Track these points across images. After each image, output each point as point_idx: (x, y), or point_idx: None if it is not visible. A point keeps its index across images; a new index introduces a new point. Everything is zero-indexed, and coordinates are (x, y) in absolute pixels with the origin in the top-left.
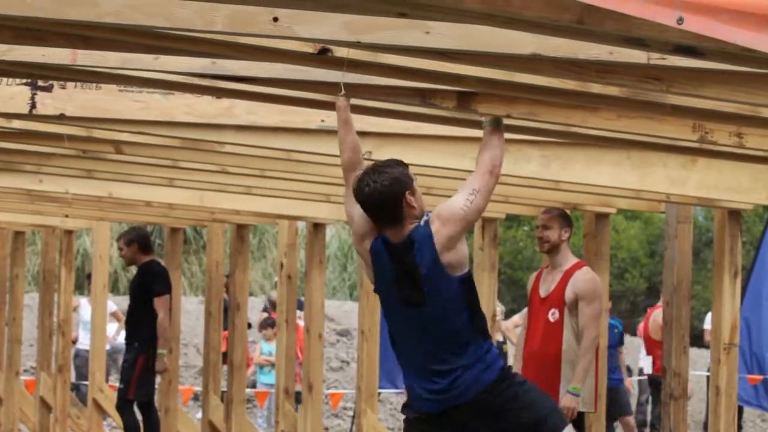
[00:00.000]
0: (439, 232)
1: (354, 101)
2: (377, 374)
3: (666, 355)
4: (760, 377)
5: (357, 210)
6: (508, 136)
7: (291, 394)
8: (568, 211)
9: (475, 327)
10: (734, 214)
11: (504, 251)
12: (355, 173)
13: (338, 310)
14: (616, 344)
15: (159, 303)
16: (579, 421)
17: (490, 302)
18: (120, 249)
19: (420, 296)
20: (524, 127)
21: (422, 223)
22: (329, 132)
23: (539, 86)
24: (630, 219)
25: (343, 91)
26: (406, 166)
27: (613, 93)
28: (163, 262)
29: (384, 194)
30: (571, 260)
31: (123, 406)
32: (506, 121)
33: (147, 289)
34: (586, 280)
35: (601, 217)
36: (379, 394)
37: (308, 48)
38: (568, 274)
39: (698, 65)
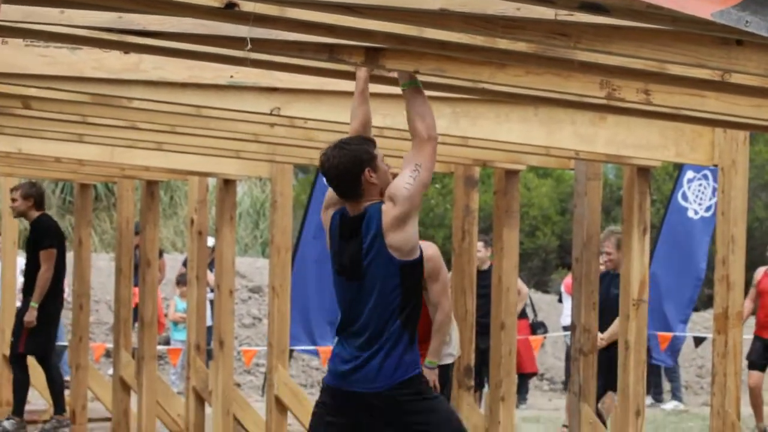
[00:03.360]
0: (388, 212)
1: (262, 56)
2: (288, 330)
3: (575, 310)
4: (670, 335)
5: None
6: None
7: (202, 351)
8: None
9: (403, 317)
10: (643, 172)
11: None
12: None
13: (250, 266)
14: None
15: (44, 256)
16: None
17: None
18: (13, 200)
19: (358, 270)
20: (433, 83)
21: (378, 201)
22: (239, 88)
23: (447, 42)
24: (541, 177)
25: (249, 46)
26: (371, 142)
27: (520, 49)
28: (54, 217)
29: (342, 169)
30: None
31: (14, 359)
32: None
33: (37, 243)
34: (427, 259)
35: (511, 174)
36: (293, 350)
37: (215, 2)
38: None
39: (605, 21)
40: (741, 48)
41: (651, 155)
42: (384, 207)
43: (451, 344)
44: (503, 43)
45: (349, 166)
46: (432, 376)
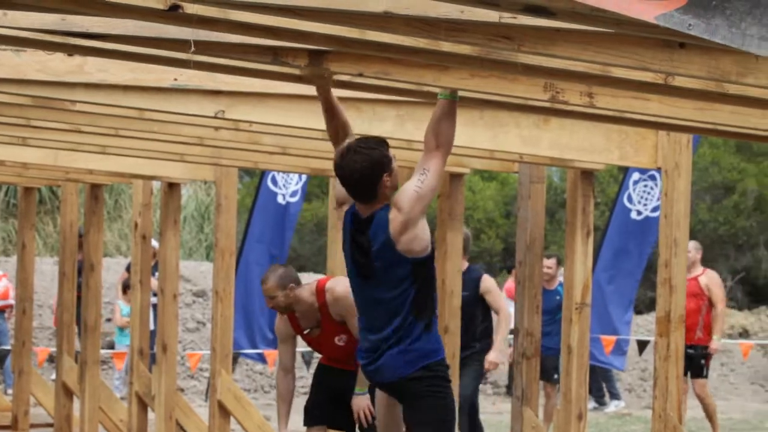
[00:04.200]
0: (396, 219)
1: (206, 59)
2: (231, 335)
3: (518, 314)
4: (614, 338)
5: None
6: (359, 95)
7: (146, 355)
8: None
9: (415, 308)
10: (586, 174)
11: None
12: (338, 145)
13: (195, 270)
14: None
15: None
16: None
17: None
18: None
19: (370, 269)
20: (377, 86)
21: (386, 205)
22: (183, 90)
23: (391, 44)
24: (486, 179)
25: (193, 48)
26: (386, 145)
27: (464, 52)
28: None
29: (363, 174)
30: (313, 292)
31: None
32: (358, 80)
33: None
34: (334, 302)
35: (456, 177)
36: (238, 355)
37: (158, 4)
38: (324, 307)
39: (549, 24)
40: (684, 51)
41: (594, 158)
42: (390, 215)
43: None
44: (447, 46)
45: (368, 171)
46: (363, 402)
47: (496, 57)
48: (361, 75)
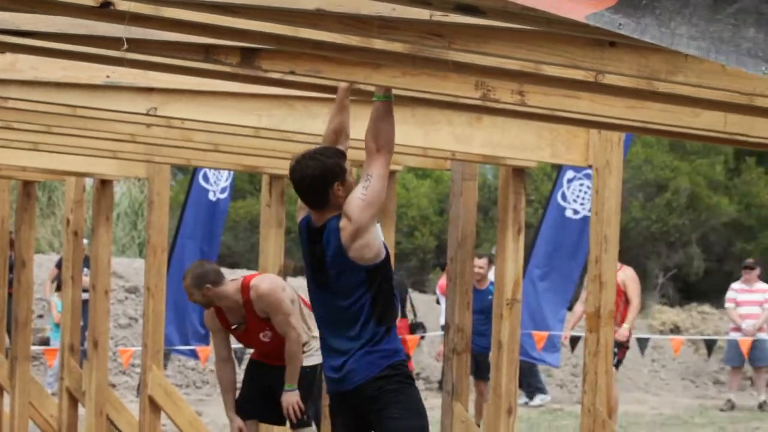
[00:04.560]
0: (345, 228)
1: (139, 56)
2: (162, 331)
3: (449, 310)
4: (545, 333)
5: None
6: (291, 92)
7: (76, 351)
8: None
9: (374, 311)
10: (518, 172)
11: (294, 209)
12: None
13: (128, 267)
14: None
15: None
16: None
17: (277, 259)
18: None
19: (325, 278)
20: (309, 84)
21: (337, 215)
22: (115, 88)
23: (323, 42)
24: (420, 177)
25: (125, 46)
26: (343, 155)
27: (396, 49)
28: None
29: (313, 180)
30: (237, 290)
31: None
32: (290, 78)
33: None
34: (258, 299)
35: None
36: (170, 351)
37: (90, 1)
38: (248, 303)
39: (480, 22)
40: (614, 49)
41: (526, 156)
42: (341, 224)
43: (318, 346)
44: (379, 44)
45: (320, 178)
46: (293, 398)
47: (427, 55)
48: (293, 72)
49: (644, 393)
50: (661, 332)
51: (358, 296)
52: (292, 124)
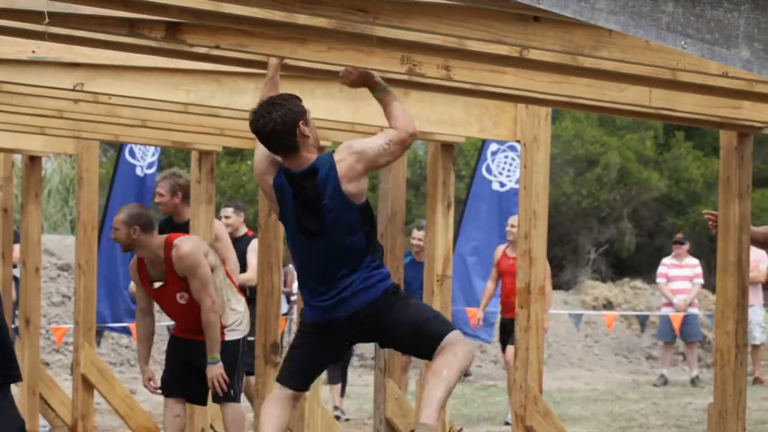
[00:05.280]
0: (344, 161)
1: (63, 31)
2: (95, 308)
3: None
4: (477, 309)
5: (258, 150)
6: (219, 68)
7: (9, 329)
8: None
9: (369, 248)
10: (447, 147)
11: (227, 185)
12: None
13: (59, 244)
14: None
15: None
16: (238, 347)
17: (207, 235)
18: None
19: (319, 226)
20: (234, 59)
21: (325, 154)
22: (42, 63)
23: (247, 17)
24: None
25: (47, 20)
26: (298, 99)
27: (321, 24)
28: None
29: (278, 124)
30: (160, 246)
31: None
32: (215, 53)
33: None
34: (178, 259)
35: (318, 151)
36: (103, 329)
37: None
38: (168, 261)
39: None
40: (538, 24)
41: (454, 131)
42: (337, 157)
43: (240, 321)
44: (303, 19)
45: (285, 120)
46: (217, 371)
47: (351, 30)
48: (218, 47)
49: (578, 368)
50: (594, 308)
51: (353, 234)
52: (220, 100)
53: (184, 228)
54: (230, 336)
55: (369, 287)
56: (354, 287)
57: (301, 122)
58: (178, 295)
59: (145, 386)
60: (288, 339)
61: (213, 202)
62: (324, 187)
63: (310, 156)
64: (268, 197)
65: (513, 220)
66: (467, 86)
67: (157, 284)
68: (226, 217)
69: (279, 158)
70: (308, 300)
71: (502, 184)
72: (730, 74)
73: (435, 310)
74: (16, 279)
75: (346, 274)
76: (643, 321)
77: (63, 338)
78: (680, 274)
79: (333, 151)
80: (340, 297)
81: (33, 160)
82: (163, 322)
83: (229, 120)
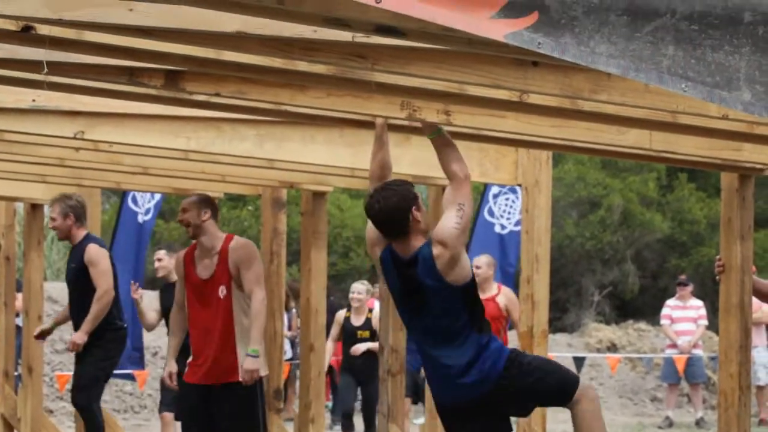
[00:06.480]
0: (442, 255)
1: (62, 80)
2: None
3: (383, 332)
4: None
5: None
6: (219, 114)
7: (11, 377)
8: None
9: (474, 325)
10: None
11: (229, 231)
12: (375, 182)
13: (63, 291)
14: None
15: None
16: (261, 384)
17: None
18: None
19: (423, 303)
20: (235, 106)
21: (426, 243)
22: (42, 111)
23: (247, 64)
24: (354, 197)
25: (46, 69)
26: (411, 184)
27: (320, 71)
28: None
29: (392, 209)
30: (221, 237)
31: None
32: (215, 100)
33: None
34: (240, 247)
35: (318, 196)
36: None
37: (12, 26)
38: (224, 252)
39: (402, 43)
40: (537, 69)
41: None
42: (435, 252)
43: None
44: (302, 65)
45: (398, 205)
46: (253, 365)
47: (350, 76)
48: (218, 95)
49: None
50: (598, 350)
51: (458, 313)
52: (220, 146)
53: (79, 249)
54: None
55: (492, 364)
56: (471, 367)
57: (413, 207)
58: (220, 288)
59: (163, 378)
60: (292, 386)
61: None
62: (422, 276)
63: (417, 244)
64: (376, 266)
65: (477, 261)
66: (468, 131)
67: (204, 275)
68: (159, 260)
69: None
70: (432, 381)
71: (503, 227)
72: (731, 116)
73: (554, 363)
74: (18, 328)
75: (460, 351)
76: (647, 363)
77: (66, 385)
78: (684, 315)
79: (429, 242)
80: (460, 375)
81: (35, 208)
82: None
83: (230, 167)
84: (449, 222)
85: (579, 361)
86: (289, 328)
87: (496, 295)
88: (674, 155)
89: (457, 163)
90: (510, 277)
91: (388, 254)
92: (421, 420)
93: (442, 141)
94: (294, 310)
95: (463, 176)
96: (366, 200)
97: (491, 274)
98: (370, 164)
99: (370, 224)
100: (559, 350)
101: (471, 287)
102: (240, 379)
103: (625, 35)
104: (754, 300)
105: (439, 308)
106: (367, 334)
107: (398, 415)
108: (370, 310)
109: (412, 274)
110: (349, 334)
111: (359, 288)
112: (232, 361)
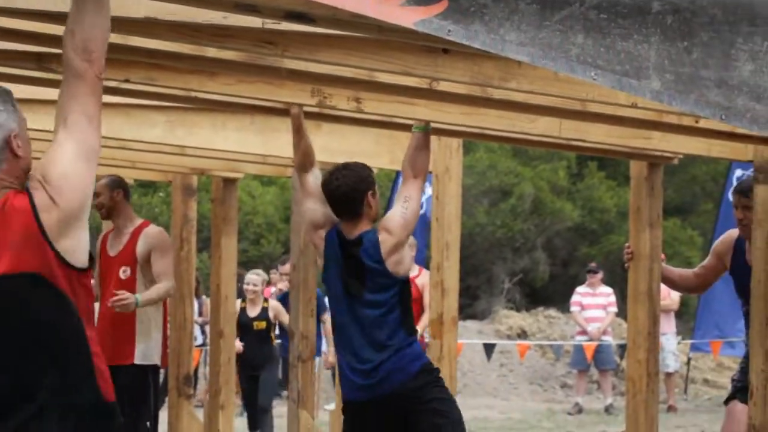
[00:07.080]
0: (386, 241)
1: None
2: None
3: (293, 318)
4: None
5: (310, 204)
6: (128, 101)
7: None
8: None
9: (403, 324)
10: None
11: (141, 216)
12: (306, 174)
13: None
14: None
15: None
16: (145, 374)
17: None
18: None
19: (361, 288)
20: (144, 92)
21: (373, 229)
22: None
23: (156, 50)
24: (266, 184)
25: None
26: (371, 170)
27: (230, 57)
28: None
29: (350, 188)
30: (137, 221)
31: None
32: (125, 86)
33: None
34: (156, 233)
35: (228, 182)
36: None
37: None
38: (136, 234)
39: (313, 30)
40: (447, 56)
41: (366, 163)
42: (381, 237)
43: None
44: (212, 52)
45: (356, 186)
46: (128, 299)
47: (261, 62)
48: (127, 81)
49: (493, 398)
50: (509, 337)
51: (391, 307)
52: (128, 132)
53: None
54: (146, 359)
55: (405, 364)
56: (391, 363)
57: (370, 192)
58: (122, 269)
59: None
60: (202, 371)
61: None
62: (365, 258)
63: (364, 228)
64: (317, 249)
65: None
66: (378, 118)
67: (112, 252)
68: None
69: (338, 220)
70: (346, 372)
71: None
72: (640, 105)
73: (457, 409)
74: None
75: (381, 346)
76: (557, 350)
77: None
78: (594, 302)
79: (376, 229)
80: (374, 370)
81: None
82: None
83: (140, 153)
84: (395, 212)
85: (489, 348)
86: (200, 314)
87: (417, 276)
88: (584, 143)
89: (417, 162)
90: (420, 263)
91: (335, 234)
92: (332, 406)
93: (424, 140)
94: (204, 297)
95: (413, 175)
96: (325, 176)
97: (412, 255)
98: (294, 155)
99: (314, 205)
100: (470, 337)
101: (408, 287)
102: (134, 362)
103: (535, 23)
104: (663, 287)
105: (375, 296)
106: (263, 324)
107: (308, 401)
108: (266, 300)
109: (356, 253)
110: (244, 326)
111: (254, 279)
112: (127, 344)
